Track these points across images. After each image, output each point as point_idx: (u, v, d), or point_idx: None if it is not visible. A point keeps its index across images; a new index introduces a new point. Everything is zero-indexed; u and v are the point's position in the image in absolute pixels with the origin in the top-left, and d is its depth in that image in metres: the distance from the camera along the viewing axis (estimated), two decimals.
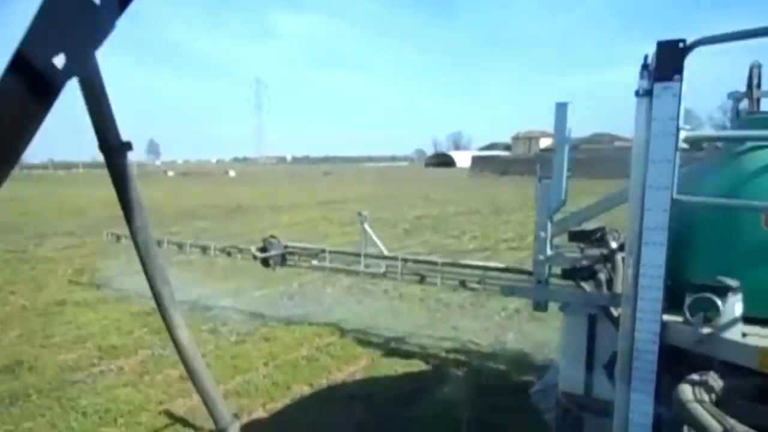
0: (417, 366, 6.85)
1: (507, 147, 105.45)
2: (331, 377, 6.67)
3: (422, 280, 6.46)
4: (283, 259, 7.76)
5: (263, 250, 7.70)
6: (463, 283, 5.99)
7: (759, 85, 3.22)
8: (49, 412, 5.74)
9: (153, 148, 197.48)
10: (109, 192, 2.76)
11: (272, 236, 7.82)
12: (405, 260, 6.60)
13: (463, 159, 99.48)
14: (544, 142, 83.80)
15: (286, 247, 7.76)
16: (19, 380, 6.51)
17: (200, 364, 2.62)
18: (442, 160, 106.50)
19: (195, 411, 5.45)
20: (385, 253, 6.82)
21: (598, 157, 50.41)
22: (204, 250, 9.21)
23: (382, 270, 6.76)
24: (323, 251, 7.45)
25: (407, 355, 7.26)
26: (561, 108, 3.09)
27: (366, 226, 7.15)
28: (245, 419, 5.32)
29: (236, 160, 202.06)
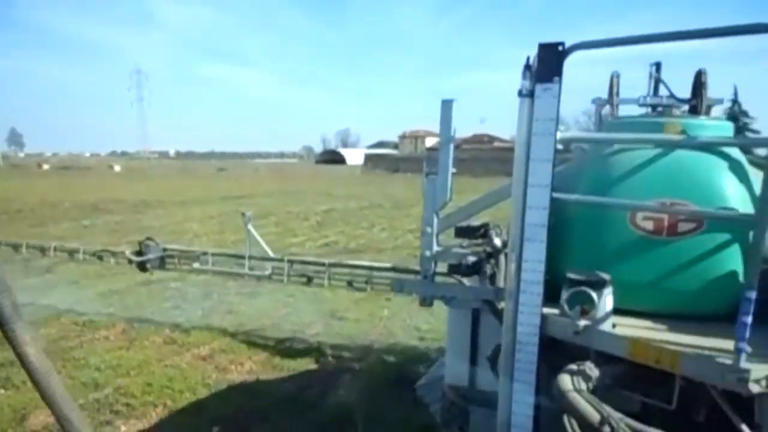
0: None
1: (395, 146, 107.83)
2: None
3: (309, 281, 6.34)
4: (161, 263, 7.28)
5: (139, 253, 7.16)
6: (350, 284, 5.95)
7: (618, 93, 3.46)
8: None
9: (15, 139, 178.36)
10: None
11: (149, 238, 7.30)
12: (291, 261, 6.45)
13: (353, 156, 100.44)
14: (430, 141, 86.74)
15: (164, 249, 7.28)
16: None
17: (56, 383, 2.29)
18: (333, 157, 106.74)
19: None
20: (271, 254, 6.61)
21: (479, 157, 53.11)
22: (71, 254, 8.33)
23: (268, 272, 6.55)
24: (205, 254, 7.09)
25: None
26: (446, 105, 3.11)
27: (250, 227, 6.88)
28: None
29: (113, 154, 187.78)
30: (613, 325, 2.62)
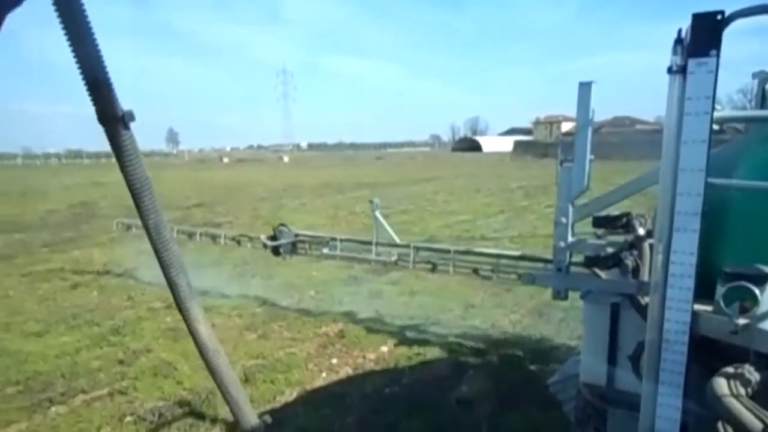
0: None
1: (528, 131, 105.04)
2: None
3: (434, 268, 6.35)
4: (293, 248, 7.67)
5: (273, 238, 7.61)
6: (476, 271, 5.87)
7: None
8: None
9: (172, 137, 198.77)
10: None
11: (282, 224, 7.73)
12: (417, 248, 6.49)
13: (489, 144, 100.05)
14: (566, 126, 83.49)
15: (296, 235, 7.67)
16: None
17: (223, 361, 2.49)
18: (470, 145, 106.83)
19: None
20: (397, 241, 6.71)
21: (620, 141, 50.13)
22: (214, 238, 9.14)
23: (394, 258, 6.66)
24: (334, 239, 7.34)
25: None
26: (584, 88, 2.94)
27: (377, 214, 7.04)
28: None
29: (251, 147, 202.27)
30: None
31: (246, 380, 5.94)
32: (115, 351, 7.00)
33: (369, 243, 6.96)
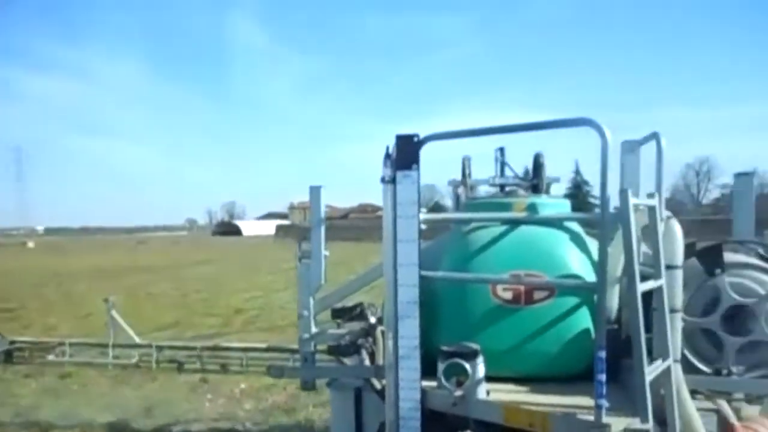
0: None
1: (285, 216, 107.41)
2: None
3: (181, 367, 5.95)
4: (8, 357, 6.44)
5: None
6: (224, 367, 5.68)
7: (470, 175, 3.78)
8: None
9: None
10: None
11: None
12: (160, 347, 6.03)
13: (249, 228, 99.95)
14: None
15: (12, 342, 6.48)
16: None
17: None
18: (230, 229, 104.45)
19: None
20: (137, 340, 6.16)
21: (367, 225, 54.20)
22: None
23: (134, 360, 6.08)
24: (62, 344, 6.40)
25: None
26: (315, 191, 3.21)
27: (114, 313, 6.39)
28: None
29: None
30: (488, 393, 2.76)
31: None
32: None
33: (105, 345, 6.24)
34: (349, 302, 3.37)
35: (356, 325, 3.31)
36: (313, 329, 3.41)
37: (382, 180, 2.68)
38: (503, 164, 3.66)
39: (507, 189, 3.60)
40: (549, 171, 3.63)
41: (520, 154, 3.81)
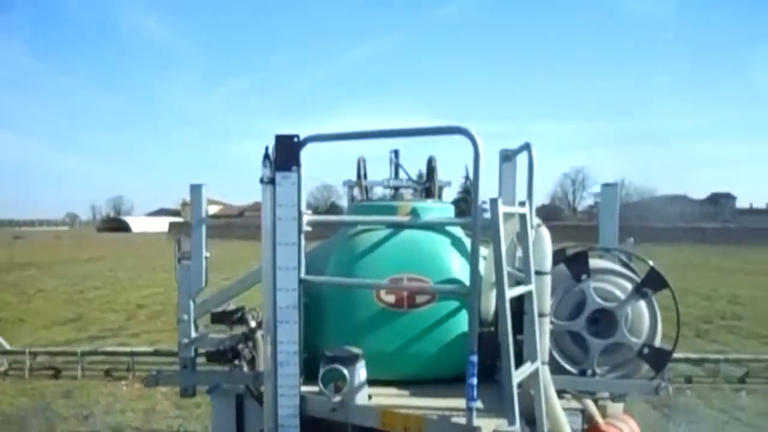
0: None
1: (177, 213, 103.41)
2: None
3: (58, 374, 5.56)
4: None
5: None
6: (109, 373, 5.37)
7: (365, 176, 3.77)
8: None
9: None
10: None
11: None
12: (35, 354, 5.60)
13: (138, 224, 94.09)
14: (213, 209, 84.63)
15: None
16: None
17: None
18: (117, 225, 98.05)
19: None
20: (6, 346, 5.69)
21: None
22: None
23: (3, 368, 5.61)
24: None
25: None
26: (196, 189, 3.07)
27: None
28: None
29: None
30: (370, 397, 2.74)
31: None
32: None
33: None
34: (230, 306, 3.26)
35: (237, 330, 3.20)
36: (193, 334, 3.27)
37: (261, 181, 2.61)
38: (398, 166, 3.67)
39: (400, 191, 3.62)
40: (442, 175, 3.69)
41: (417, 156, 3.85)
